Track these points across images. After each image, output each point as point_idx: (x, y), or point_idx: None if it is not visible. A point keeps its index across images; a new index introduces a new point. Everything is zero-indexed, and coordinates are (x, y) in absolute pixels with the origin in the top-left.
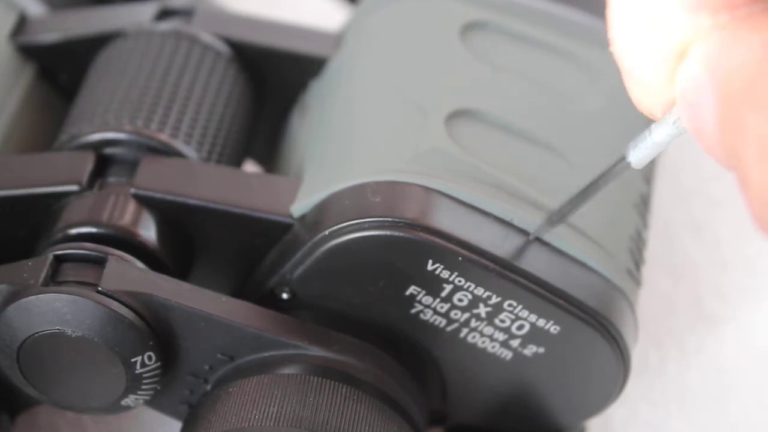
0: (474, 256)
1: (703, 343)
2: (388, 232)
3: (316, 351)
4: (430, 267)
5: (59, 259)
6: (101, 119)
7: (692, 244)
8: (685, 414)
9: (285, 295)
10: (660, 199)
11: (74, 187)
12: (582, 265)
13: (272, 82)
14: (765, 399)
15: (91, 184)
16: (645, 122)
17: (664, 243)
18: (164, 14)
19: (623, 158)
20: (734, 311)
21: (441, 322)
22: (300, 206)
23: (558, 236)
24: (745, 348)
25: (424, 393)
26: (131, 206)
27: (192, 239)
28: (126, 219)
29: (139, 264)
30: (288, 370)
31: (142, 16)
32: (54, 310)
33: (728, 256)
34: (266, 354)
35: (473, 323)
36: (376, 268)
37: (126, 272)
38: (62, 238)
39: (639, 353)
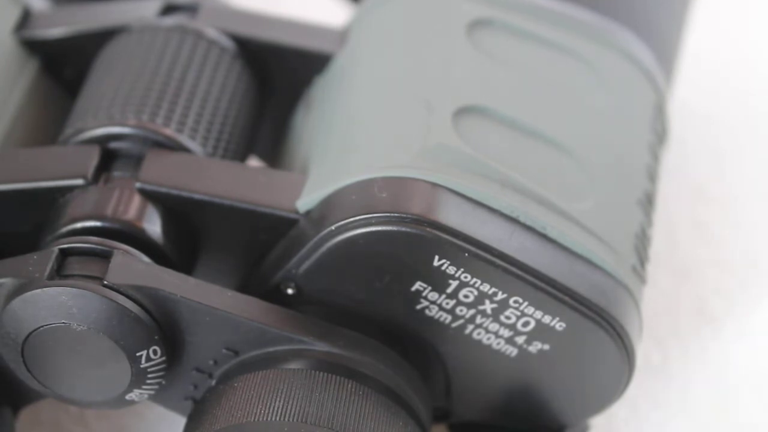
0: (480, 252)
1: (705, 342)
2: (394, 228)
3: (321, 346)
4: (436, 263)
5: (64, 253)
6: (106, 113)
7: (696, 243)
8: (688, 413)
9: (290, 291)
10: (664, 199)
11: (79, 181)
12: (588, 262)
13: (277, 78)
14: (767, 398)
15: (96, 178)
16: (648, 119)
17: (668, 242)
18: (169, 9)
19: None
20: (737, 311)
21: (446, 318)
22: (306, 201)
23: (564, 233)
24: (748, 347)
25: (428, 389)
26: (136, 200)
27: (197, 234)
28: (131, 213)
29: (145, 258)
30: (293, 365)
31: (146, 11)
32: (59, 304)
33: (732, 256)
34: (271, 349)
35: (479, 320)
36: (383, 263)
37: (131, 266)
38: (67, 231)
39: (642, 352)
